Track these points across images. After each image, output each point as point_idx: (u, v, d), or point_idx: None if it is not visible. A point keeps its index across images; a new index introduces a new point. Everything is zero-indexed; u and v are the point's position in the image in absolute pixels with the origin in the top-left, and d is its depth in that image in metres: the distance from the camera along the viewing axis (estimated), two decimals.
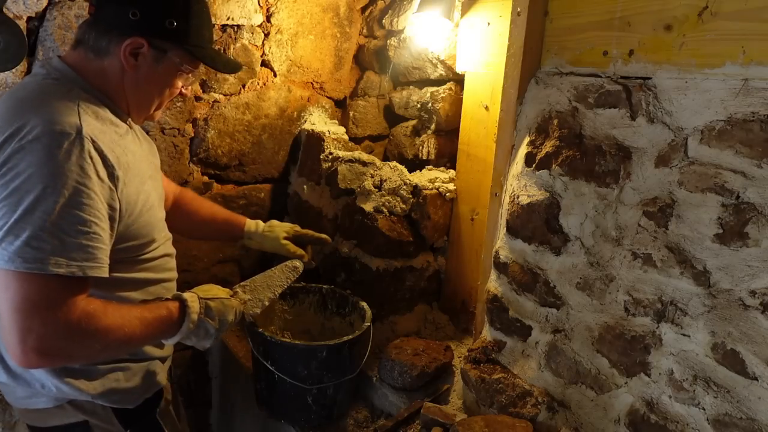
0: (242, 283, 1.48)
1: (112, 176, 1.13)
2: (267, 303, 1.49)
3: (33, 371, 1.21)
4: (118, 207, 1.15)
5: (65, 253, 1.03)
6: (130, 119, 1.32)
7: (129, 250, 1.24)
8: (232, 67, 1.44)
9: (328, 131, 2.24)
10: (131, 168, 1.21)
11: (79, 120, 1.10)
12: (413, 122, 2.36)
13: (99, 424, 1.29)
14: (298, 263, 1.64)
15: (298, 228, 1.76)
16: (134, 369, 1.33)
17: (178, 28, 1.21)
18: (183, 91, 1.36)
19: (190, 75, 1.33)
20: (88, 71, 1.21)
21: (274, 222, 1.77)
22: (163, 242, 1.38)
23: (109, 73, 1.21)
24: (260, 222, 1.75)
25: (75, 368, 1.23)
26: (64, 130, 1.06)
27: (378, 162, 2.07)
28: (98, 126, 1.15)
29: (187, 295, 1.28)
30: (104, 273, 1.10)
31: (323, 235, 1.78)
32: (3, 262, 1.00)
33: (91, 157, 1.08)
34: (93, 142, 1.10)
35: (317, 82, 2.36)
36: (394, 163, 2.08)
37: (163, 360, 1.42)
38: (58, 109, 1.10)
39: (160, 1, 1.21)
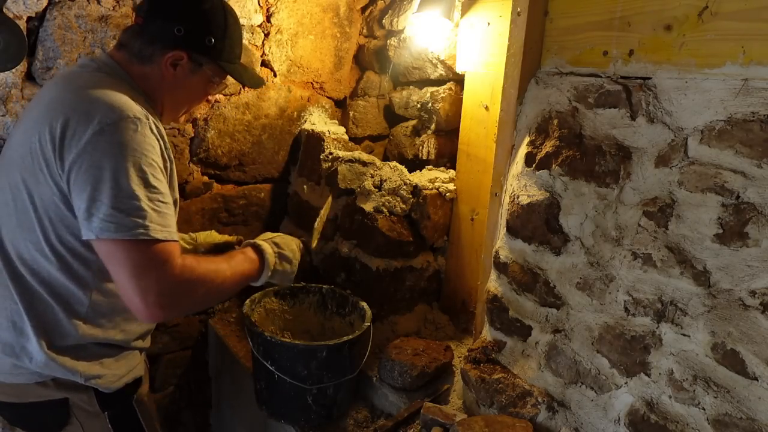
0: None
1: (170, 161, 1.29)
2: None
3: (27, 345, 1.26)
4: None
5: (158, 220, 1.16)
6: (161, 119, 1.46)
7: None
8: (257, 81, 1.57)
9: (328, 131, 2.24)
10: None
11: (142, 108, 1.23)
12: (413, 122, 2.36)
13: (79, 404, 1.33)
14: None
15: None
16: (121, 354, 1.38)
17: (215, 46, 1.37)
18: (209, 98, 1.52)
19: (217, 86, 1.48)
20: (131, 72, 1.34)
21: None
22: None
23: (151, 77, 1.35)
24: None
25: (69, 346, 1.29)
26: (136, 115, 1.19)
27: (378, 162, 2.07)
28: (151, 116, 1.27)
29: (254, 240, 1.49)
30: (177, 239, 1.23)
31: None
32: (111, 233, 1.13)
33: (157, 140, 1.23)
34: (157, 127, 1.24)
35: (317, 82, 2.36)
36: (394, 163, 2.08)
37: (141, 351, 1.49)
38: (123, 98, 1.21)
39: (203, 20, 1.35)
